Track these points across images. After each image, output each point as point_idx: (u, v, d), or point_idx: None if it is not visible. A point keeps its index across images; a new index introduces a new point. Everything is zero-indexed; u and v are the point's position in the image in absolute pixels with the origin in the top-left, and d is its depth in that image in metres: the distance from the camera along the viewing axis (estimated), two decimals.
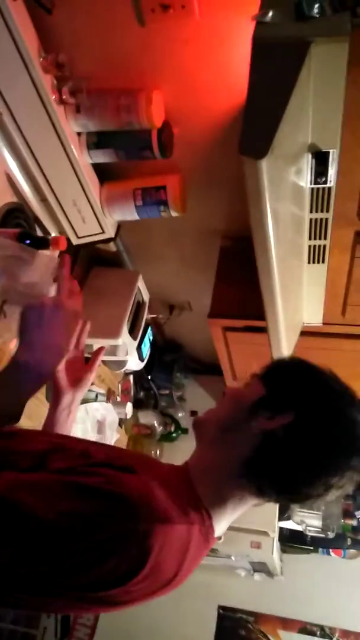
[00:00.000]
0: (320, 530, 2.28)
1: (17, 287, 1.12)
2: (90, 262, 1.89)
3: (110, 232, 1.59)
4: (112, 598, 0.60)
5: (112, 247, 1.79)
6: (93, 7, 1.13)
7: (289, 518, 2.26)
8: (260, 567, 2.41)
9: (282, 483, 0.71)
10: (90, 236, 1.60)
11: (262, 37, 0.76)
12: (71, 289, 0.87)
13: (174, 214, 1.50)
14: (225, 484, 0.72)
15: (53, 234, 1.55)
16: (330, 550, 2.43)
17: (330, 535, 2.26)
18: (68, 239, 1.57)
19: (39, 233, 1.51)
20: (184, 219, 1.57)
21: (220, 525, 0.72)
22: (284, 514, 2.24)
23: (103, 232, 1.58)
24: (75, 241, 1.60)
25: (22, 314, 0.80)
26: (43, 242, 1.24)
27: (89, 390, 1.76)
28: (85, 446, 0.79)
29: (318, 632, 2.46)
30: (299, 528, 2.32)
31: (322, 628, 2.46)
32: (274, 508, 2.20)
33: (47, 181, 1.39)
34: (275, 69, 0.77)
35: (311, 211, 1.06)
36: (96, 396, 1.76)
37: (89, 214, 1.51)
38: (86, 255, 1.86)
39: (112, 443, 2.09)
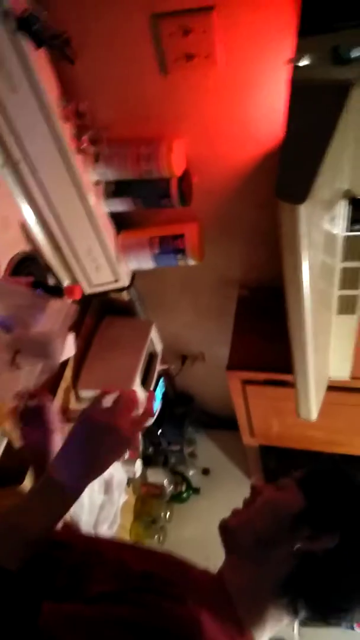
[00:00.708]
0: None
1: (30, 336, 1.05)
2: (102, 311, 1.84)
3: (124, 281, 1.54)
4: None
5: (125, 295, 1.73)
6: (116, 57, 1.12)
7: None
8: None
9: (318, 605, 0.67)
10: (103, 285, 1.55)
11: (300, 80, 0.73)
12: (139, 418, 0.72)
13: (191, 262, 1.45)
14: (265, 605, 0.67)
15: (66, 283, 1.49)
16: (355, 625, 2.22)
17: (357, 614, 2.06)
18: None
19: (51, 282, 1.46)
20: (200, 267, 1.53)
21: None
22: None
23: (117, 281, 1.53)
24: (88, 290, 1.55)
25: (71, 430, 0.69)
26: (57, 291, 1.18)
27: None
28: (118, 554, 0.72)
29: None
30: None
31: None
32: None
33: (62, 230, 1.36)
34: (314, 112, 0.73)
35: (343, 260, 1.00)
36: None
37: (103, 262, 1.46)
38: (98, 304, 1.81)
39: (119, 504, 1.95)
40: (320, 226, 0.91)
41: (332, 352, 1.32)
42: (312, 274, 0.93)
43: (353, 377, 1.37)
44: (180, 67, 1.08)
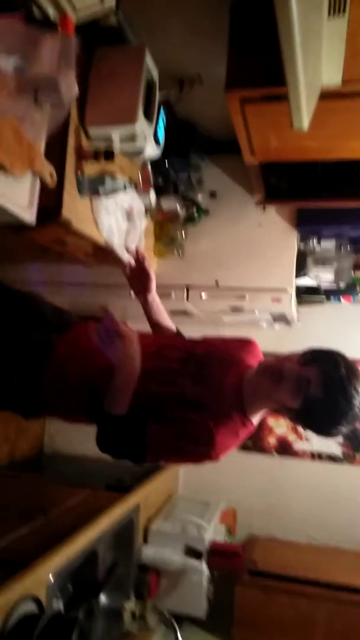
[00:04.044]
0: (332, 282, 2.59)
1: (41, 73, 1.12)
2: (91, 43, 1.77)
3: (110, 2, 1.46)
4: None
5: (112, 20, 1.65)
6: None
7: (304, 275, 2.55)
8: (279, 318, 2.82)
9: (307, 425, 1.19)
10: (89, 8, 1.48)
11: None
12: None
13: None
14: (263, 404, 1.22)
15: (50, 12, 1.43)
16: (341, 297, 2.80)
17: (342, 285, 2.58)
18: None
19: (37, 13, 1.40)
20: None
21: (255, 419, 1.23)
22: (300, 272, 2.53)
23: (102, 2, 1.46)
24: (74, 18, 1.49)
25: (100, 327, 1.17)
26: (50, 25, 1.20)
27: (114, 179, 1.84)
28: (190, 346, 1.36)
29: None
30: (314, 283, 2.64)
31: None
32: (291, 268, 2.48)
33: None
34: None
35: None
36: (124, 186, 1.85)
37: None
38: (86, 35, 1.72)
39: (142, 229, 2.27)
40: None
41: (325, 58, 1.36)
42: None
43: (344, 81, 1.43)
44: None
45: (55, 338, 1.37)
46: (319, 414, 1.13)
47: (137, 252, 1.45)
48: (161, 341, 1.41)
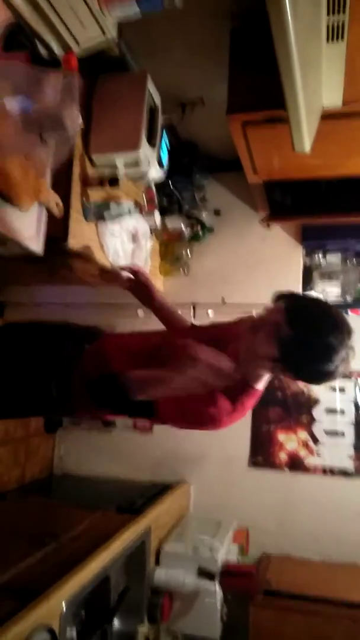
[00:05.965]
0: (339, 296, 2.58)
1: (45, 111, 1.15)
2: (94, 71, 1.80)
3: (112, 33, 1.49)
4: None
5: (115, 49, 1.68)
6: None
7: (311, 289, 2.55)
8: None
9: (292, 369, 1.12)
10: (92, 41, 1.51)
11: None
12: None
13: (177, 1, 1.38)
14: (257, 365, 1.16)
15: (55, 48, 1.46)
16: (349, 310, 2.78)
17: (349, 299, 2.57)
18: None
19: (41, 50, 1.43)
20: (187, 3, 1.44)
21: (259, 385, 1.20)
22: (307, 287, 2.52)
23: (105, 34, 1.48)
24: (78, 51, 1.52)
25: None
26: (55, 63, 1.22)
27: (119, 204, 1.86)
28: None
29: None
30: (321, 297, 2.63)
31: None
32: (297, 282, 2.48)
33: None
34: None
35: None
36: (129, 210, 1.87)
37: (87, 16, 1.40)
38: (88, 65, 1.76)
39: (147, 251, 2.28)
40: None
41: (325, 82, 1.37)
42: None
43: (345, 103, 1.45)
44: None
45: (87, 347, 1.46)
46: (296, 354, 1.07)
47: (131, 268, 1.54)
48: (168, 336, 1.47)
